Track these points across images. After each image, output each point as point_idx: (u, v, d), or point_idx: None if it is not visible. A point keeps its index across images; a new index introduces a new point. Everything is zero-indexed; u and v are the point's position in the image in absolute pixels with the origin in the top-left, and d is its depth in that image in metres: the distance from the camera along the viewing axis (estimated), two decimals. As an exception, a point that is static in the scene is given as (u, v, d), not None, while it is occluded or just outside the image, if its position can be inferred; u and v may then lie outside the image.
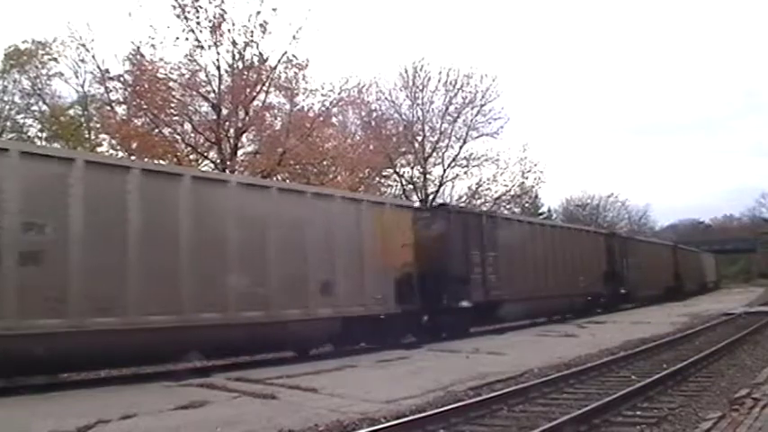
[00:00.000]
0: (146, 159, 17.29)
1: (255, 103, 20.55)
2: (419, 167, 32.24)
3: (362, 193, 19.33)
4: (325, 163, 22.94)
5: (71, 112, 26.39)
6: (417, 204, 24.24)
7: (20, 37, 26.91)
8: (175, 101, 19.46)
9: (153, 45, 18.76)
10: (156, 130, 19.91)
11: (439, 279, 14.66)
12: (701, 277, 45.38)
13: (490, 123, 33.06)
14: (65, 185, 8.52)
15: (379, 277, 13.04)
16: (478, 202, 33.27)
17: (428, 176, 32.46)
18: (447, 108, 32.19)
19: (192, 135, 20.70)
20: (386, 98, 31.61)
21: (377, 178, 29.10)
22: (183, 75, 19.42)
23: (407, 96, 31.99)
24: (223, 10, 18.65)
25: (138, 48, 19.19)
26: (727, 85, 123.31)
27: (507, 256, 17.36)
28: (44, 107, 26.94)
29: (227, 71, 19.69)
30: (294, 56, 19.95)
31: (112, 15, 37.78)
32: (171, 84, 19.26)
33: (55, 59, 25.14)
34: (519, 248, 18.19)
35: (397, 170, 31.70)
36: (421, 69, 31.69)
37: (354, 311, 12.44)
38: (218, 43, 19.07)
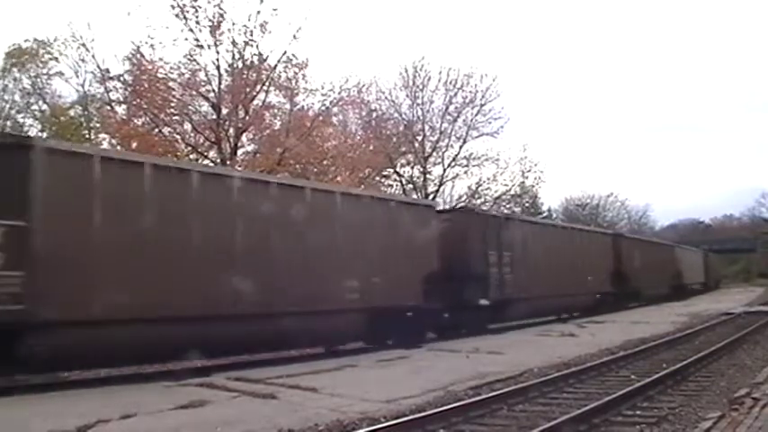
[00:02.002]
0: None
1: (255, 102, 20.55)
2: (419, 167, 32.24)
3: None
4: (325, 162, 22.93)
5: (71, 111, 26.41)
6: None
7: (21, 36, 26.97)
8: (175, 100, 19.46)
9: (152, 45, 18.79)
10: (156, 130, 19.91)
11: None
12: (674, 278, 36.14)
13: (490, 123, 33.06)
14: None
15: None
16: (478, 201, 33.27)
17: (428, 176, 32.45)
18: (447, 108, 32.18)
19: (192, 135, 20.71)
20: (386, 98, 31.62)
21: (377, 178, 29.09)
22: (183, 74, 19.42)
23: (407, 96, 31.99)
24: (222, 10, 18.66)
25: (138, 48, 19.22)
26: (728, 85, 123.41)
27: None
28: (44, 106, 27.00)
29: (226, 71, 19.69)
30: (294, 55, 19.97)
31: (113, 15, 37.72)
32: (171, 83, 19.26)
33: (56, 59, 25.18)
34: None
35: (397, 170, 31.71)
36: (421, 69, 31.69)
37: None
38: (217, 43, 19.07)
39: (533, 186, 35.80)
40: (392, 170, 31.09)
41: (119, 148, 19.28)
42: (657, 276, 30.85)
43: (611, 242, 26.33)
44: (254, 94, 20.20)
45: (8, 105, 26.70)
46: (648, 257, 29.74)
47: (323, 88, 21.27)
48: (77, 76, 25.37)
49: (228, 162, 19.48)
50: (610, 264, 25.04)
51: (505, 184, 33.89)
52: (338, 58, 50.59)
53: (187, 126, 20.51)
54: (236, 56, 19.52)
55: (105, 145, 22.26)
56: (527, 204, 39.53)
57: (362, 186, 23.48)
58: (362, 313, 12.52)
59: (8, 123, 25.90)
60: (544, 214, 46.50)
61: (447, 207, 25.36)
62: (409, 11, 79.26)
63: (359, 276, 12.43)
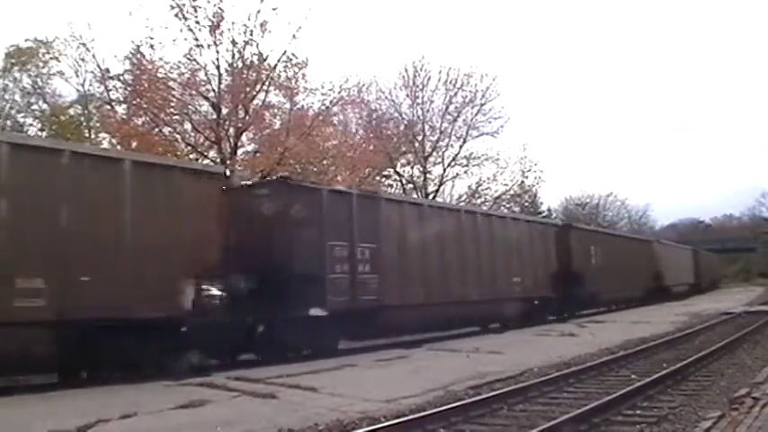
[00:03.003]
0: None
1: (255, 102, 20.54)
2: (419, 167, 32.28)
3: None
4: (325, 162, 22.95)
5: (71, 111, 26.41)
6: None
7: (21, 36, 26.95)
8: (175, 100, 19.46)
9: (152, 45, 18.79)
10: (156, 130, 19.91)
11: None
12: (652, 279, 31.07)
13: (490, 122, 33.15)
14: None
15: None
16: (479, 201, 33.32)
17: (428, 176, 32.50)
18: (447, 107, 32.26)
19: (192, 134, 20.71)
20: (386, 97, 31.70)
21: (377, 178, 29.11)
22: (183, 74, 19.42)
23: (407, 95, 32.06)
24: (221, 9, 18.66)
25: (138, 47, 19.22)
26: (728, 85, 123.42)
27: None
28: (44, 106, 26.99)
29: (226, 70, 19.68)
30: (294, 55, 19.96)
31: (113, 15, 37.62)
32: (171, 83, 19.25)
33: (56, 58, 25.19)
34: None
35: (397, 169, 31.73)
36: (421, 69, 31.76)
37: None
38: (217, 42, 19.06)
39: (533, 186, 35.92)
40: (392, 170, 31.13)
41: (119, 147, 19.28)
42: (626, 277, 26.29)
43: (555, 235, 21.53)
44: (254, 93, 20.20)
45: (8, 105, 26.71)
46: (613, 254, 25.20)
47: (323, 88, 21.31)
48: (77, 76, 25.43)
49: (228, 162, 19.47)
50: (553, 262, 20.74)
51: (505, 184, 34.04)
52: (338, 58, 50.63)
53: (187, 126, 20.52)
54: (236, 55, 19.53)
55: (105, 144, 22.28)
56: (527, 204, 39.58)
57: (362, 186, 23.47)
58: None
59: (8, 123, 25.91)
60: (543, 214, 46.48)
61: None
62: (409, 11, 79.33)
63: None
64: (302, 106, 21.68)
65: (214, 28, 18.82)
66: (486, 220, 18.11)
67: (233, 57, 19.54)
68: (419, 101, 31.95)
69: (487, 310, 17.33)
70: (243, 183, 13.70)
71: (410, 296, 14.10)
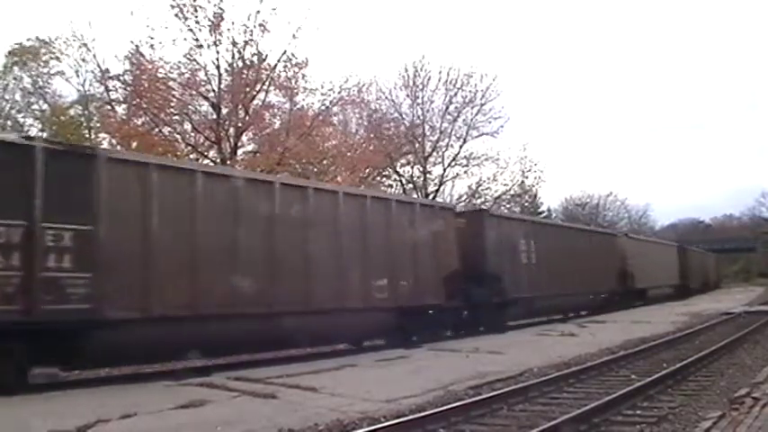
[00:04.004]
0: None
1: (255, 102, 20.55)
2: (419, 167, 32.26)
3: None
4: (325, 162, 22.94)
5: (71, 111, 26.41)
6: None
7: (22, 35, 26.96)
8: (175, 100, 19.47)
9: (152, 45, 18.78)
10: (156, 130, 19.91)
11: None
12: (613, 280, 25.36)
13: (490, 122, 33.12)
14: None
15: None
16: (478, 201, 33.31)
17: (428, 176, 32.47)
18: (447, 107, 32.23)
19: (192, 134, 20.72)
20: (386, 97, 31.66)
21: (377, 178, 29.11)
22: (183, 74, 19.42)
23: (408, 96, 32.03)
24: (222, 9, 18.66)
25: (138, 47, 19.22)
26: (728, 84, 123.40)
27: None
28: (45, 106, 26.99)
29: (226, 70, 19.69)
30: (294, 55, 19.97)
31: (113, 15, 37.58)
32: (171, 83, 19.26)
33: (57, 58, 25.17)
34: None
35: (398, 169, 31.73)
36: (421, 69, 31.73)
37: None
38: (217, 42, 19.07)
39: (533, 186, 35.90)
40: (392, 170, 31.13)
41: (119, 147, 19.28)
42: (578, 278, 21.11)
43: (460, 225, 16.16)
44: (254, 93, 20.21)
45: (9, 105, 26.72)
46: (557, 251, 20.15)
47: (323, 88, 21.31)
48: (78, 76, 25.41)
49: (228, 162, 19.48)
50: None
51: (505, 184, 34.02)
52: (338, 58, 50.63)
53: (187, 126, 20.53)
54: (236, 55, 19.54)
55: (105, 145, 22.28)
56: (527, 204, 39.59)
57: (362, 186, 23.49)
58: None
59: (8, 123, 25.91)
60: (543, 213, 46.48)
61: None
62: (409, 11, 79.33)
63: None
64: (302, 106, 21.71)
65: (214, 28, 18.83)
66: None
67: (233, 57, 19.56)
68: (419, 101, 31.98)
69: (324, 325, 12.01)
70: None
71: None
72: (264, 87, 20.43)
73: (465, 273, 15.47)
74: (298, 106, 21.59)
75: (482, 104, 32.54)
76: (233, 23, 18.98)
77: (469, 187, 33.84)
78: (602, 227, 44.71)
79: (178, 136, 20.61)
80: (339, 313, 12.11)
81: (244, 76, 19.76)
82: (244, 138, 21.13)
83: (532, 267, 18.88)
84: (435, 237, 14.83)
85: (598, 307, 23.90)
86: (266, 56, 19.87)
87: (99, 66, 23.32)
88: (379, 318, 13.31)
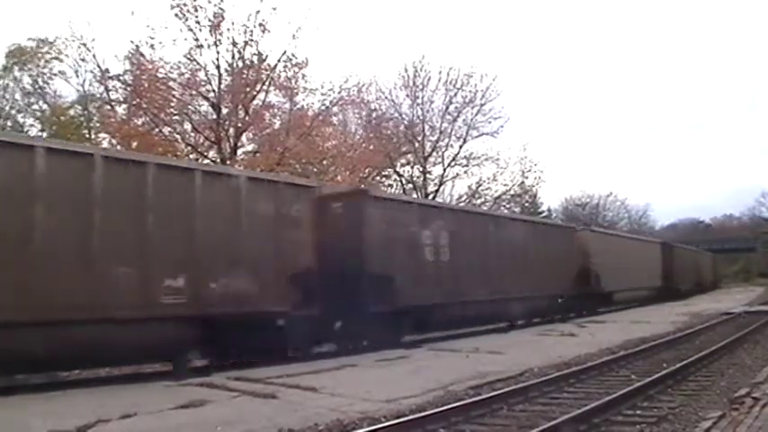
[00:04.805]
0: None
1: (255, 102, 20.59)
2: (419, 167, 32.30)
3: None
4: (325, 162, 22.97)
5: (71, 111, 26.41)
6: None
7: (22, 35, 26.96)
8: (175, 100, 19.50)
9: (152, 45, 18.82)
10: (156, 130, 19.94)
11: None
12: (568, 282, 20.92)
13: (490, 123, 33.18)
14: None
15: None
16: (478, 201, 33.33)
17: (428, 176, 32.51)
18: (447, 107, 32.28)
19: (192, 134, 20.74)
20: (386, 97, 31.71)
21: (377, 178, 29.12)
22: (183, 74, 19.46)
23: (407, 96, 32.07)
24: (222, 9, 18.69)
25: (138, 47, 19.25)
26: (728, 84, 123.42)
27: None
28: (44, 106, 26.99)
29: (226, 70, 19.73)
30: (294, 55, 20.03)
31: (113, 15, 37.66)
32: (171, 83, 19.29)
33: (57, 58, 25.20)
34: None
35: (397, 169, 31.75)
36: (421, 69, 31.77)
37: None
38: (217, 42, 19.14)
39: (533, 186, 35.93)
40: (392, 170, 31.14)
41: (119, 147, 19.29)
42: (515, 280, 17.24)
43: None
44: (254, 93, 20.25)
45: (8, 105, 26.71)
46: (484, 244, 16.50)
47: (322, 88, 21.38)
48: (77, 76, 25.44)
49: (228, 162, 19.49)
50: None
51: (505, 184, 34.07)
52: (338, 58, 50.75)
53: (187, 126, 20.58)
54: (236, 55, 19.60)
55: (105, 144, 22.29)
56: (526, 204, 39.61)
57: (362, 186, 23.50)
58: None
59: (8, 123, 25.91)
60: (543, 214, 46.46)
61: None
62: (409, 11, 79.35)
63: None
64: (302, 106, 21.77)
65: (214, 28, 18.87)
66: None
67: (233, 57, 19.60)
68: (419, 101, 32.02)
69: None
70: None
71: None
72: (264, 87, 20.51)
73: (340, 272, 11.64)
74: (298, 106, 21.67)
75: (482, 104, 32.64)
76: (233, 23, 19.07)
77: (469, 187, 33.93)
78: (602, 227, 44.65)
79: (178, 136, 20.65)
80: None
81: (244, 76, 19.79)
82: (244, 138, 21.20)
83: (443, 266, 14.68)
84: (277, 223, 11.03)
85: (550, 313, 19.97)
86: (266, 56, 19.96)
87: (99, 66, 23.38)
88: (164, 331, 9.23)
